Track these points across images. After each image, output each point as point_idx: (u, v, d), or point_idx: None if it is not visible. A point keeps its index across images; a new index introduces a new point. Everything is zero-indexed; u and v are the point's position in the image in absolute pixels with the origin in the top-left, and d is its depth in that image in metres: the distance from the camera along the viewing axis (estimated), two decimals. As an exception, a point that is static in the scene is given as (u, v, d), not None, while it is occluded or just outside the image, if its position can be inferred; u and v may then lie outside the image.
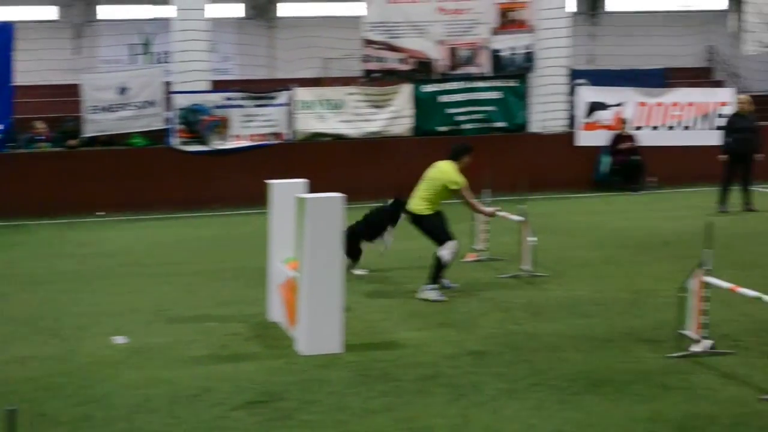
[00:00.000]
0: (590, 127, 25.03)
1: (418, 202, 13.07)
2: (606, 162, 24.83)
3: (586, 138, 24.98)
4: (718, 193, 20.86)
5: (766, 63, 30.07)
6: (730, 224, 18.75)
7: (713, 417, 8.23)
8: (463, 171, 13.16)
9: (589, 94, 25.21)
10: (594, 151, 24.90)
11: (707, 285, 10.00)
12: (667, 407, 8.50)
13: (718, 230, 16.95)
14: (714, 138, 22.64)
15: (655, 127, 25.37)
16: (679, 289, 10.45)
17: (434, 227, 13.07)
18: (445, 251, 12.78)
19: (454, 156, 13.12)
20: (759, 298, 9.49)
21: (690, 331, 10.27)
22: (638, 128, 25.13)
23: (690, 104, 25.54)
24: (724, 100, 25.17)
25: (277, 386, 9.25)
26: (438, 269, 12.84)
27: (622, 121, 24.87)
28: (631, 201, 23.08)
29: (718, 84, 35.45)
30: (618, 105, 25.13)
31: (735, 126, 20.81)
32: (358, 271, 14.46)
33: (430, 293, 12.72)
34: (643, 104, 25.31)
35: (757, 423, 8.06)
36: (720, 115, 24.52)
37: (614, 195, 23.85)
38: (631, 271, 14.59)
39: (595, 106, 25.06)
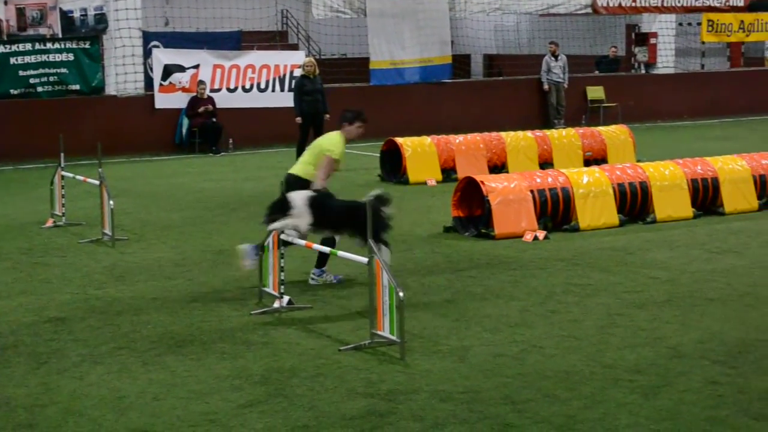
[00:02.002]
0: (167, 89, 24.94)
1: None
2: (185, 124, 24.88)
3: (164, 101, 24.89)
4: (295, 153, 21.43)
5: (335, 27, 31.09)
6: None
7: (295, 369, 8.50)
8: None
9: (164, 56, 25.10)
10: (174, 114, 24.87)
11: (284, 242, 10.31)
12: (251, 363, 8.70)
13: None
14: (288, 100, 23.23)
15: (231, 90, 25.68)
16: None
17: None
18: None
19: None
20: (334, 254, 9.88)
21: (270, 288, 10.56)
22: (215, 91, 25.33)
23: (265, 67, 26.02)
24: (298, 62, 25.76)
25: None
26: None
27: (199, 84, 24.96)
28: (211, 163, 23.27)
29: (292, 47, 36.37)
30: (194, 67, 25.19)
31: (304, 89, 21.39)
32: None
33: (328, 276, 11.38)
34: (219, 67, 25.52)
35: (336, 372, 8.40)
36: (293, 78, 25.16)
37: (195, 157, 23.97)
38: (212, 231, 14.76)
39: (172, 69, 24.99)
